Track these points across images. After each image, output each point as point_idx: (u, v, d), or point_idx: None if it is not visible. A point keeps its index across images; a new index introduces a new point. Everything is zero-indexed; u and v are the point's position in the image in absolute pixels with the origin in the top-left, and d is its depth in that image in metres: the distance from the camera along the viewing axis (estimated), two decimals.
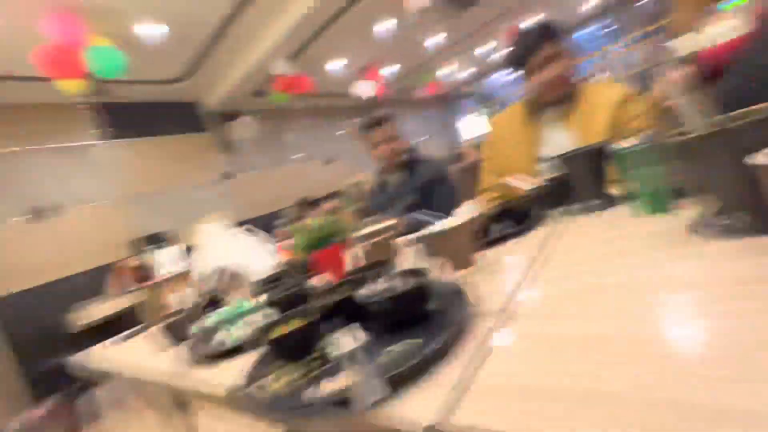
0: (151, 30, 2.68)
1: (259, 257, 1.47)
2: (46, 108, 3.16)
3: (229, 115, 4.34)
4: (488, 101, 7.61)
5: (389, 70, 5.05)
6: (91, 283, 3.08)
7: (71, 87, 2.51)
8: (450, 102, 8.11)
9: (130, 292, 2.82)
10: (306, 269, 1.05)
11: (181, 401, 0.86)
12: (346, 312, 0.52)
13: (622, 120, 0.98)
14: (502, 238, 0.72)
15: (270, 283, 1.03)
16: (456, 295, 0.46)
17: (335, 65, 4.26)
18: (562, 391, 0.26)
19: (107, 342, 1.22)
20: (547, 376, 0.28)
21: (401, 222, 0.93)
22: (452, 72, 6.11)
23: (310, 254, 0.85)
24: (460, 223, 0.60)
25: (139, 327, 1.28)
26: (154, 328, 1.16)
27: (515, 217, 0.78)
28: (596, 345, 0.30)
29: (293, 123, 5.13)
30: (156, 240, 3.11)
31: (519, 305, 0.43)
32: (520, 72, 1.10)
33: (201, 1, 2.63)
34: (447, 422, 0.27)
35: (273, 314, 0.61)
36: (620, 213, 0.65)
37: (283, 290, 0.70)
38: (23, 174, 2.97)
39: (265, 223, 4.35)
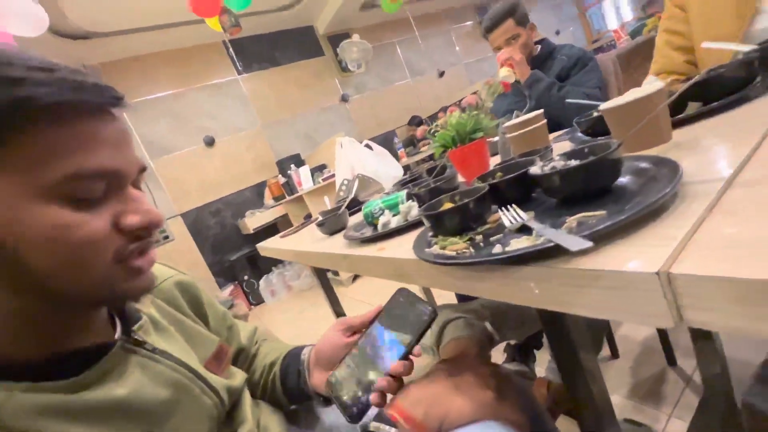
0: None
1: (388, 165, 1.54)
2: (198, 49, 3.65)
3: (341, 35, 4.33)
4: None
5: None
6: (253, 196, 3.80)
7: (215, 24, 2.81)
8: None
9: (281, 203, 3.39)
10: (441, 172, 1.05)
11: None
12: (504, 193, 0.51)
13: None
14: (706, 114, 0.57)
15: (407, 183, 1.07)
16: (660, 164, 0.39)
17: None
18: None
19: (277, 236, 1.51)
20: None
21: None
22: None
23: (450, 151, 0.83)
24: (654, 91, 0.49)
25: (295, 227, 1.54)
26: (309, 226, 1.37)
27: (723, 89, 0.60)
28: None
29: (404, 35, 4.84)
30: (295, 160, 3.55)
31: (741, 174, 0.34)
32: None
33: None
34: (675, 269, 0.25)
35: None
36: None
37: (427, 185, 0.72)
38: (191, 109, 3.62)
39: (383, 140, 4.52)
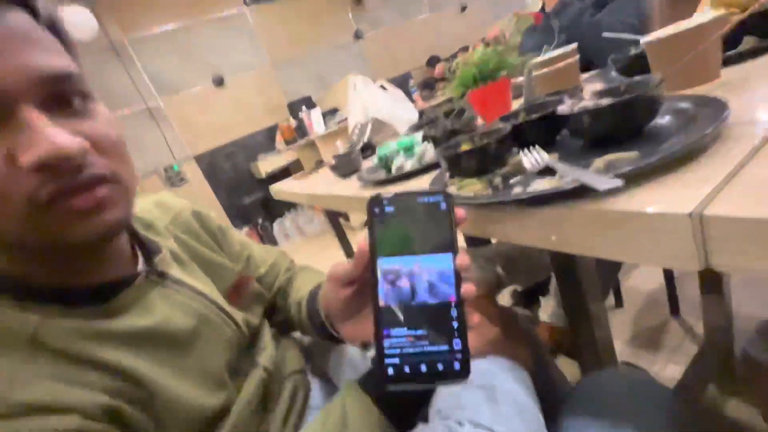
0: None
1: (402, 108, 1.48)
2: None
3: None
4: None
5: None
6: (265, 140, 3.76)
7: None
8: None
9: (292, 147, 3.35)
10: (459, 114, 1.01)
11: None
12: (527, 135, 0.48)
13: None
14: (762, 50, 0.51)
15: (423, 126, 1.04)
16: (703, 104, 0.36)
17: None
18: None
19: (290, 178, 1.51)
20: None
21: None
22: None
23: (470, 91, 0.79)
24: (704, 22, 0.43)
25: (309, 169, 1.53)
26: (323, 169, 1.36)
27: None
28: None
29: None
30: (306, 102, 3.44)
31: None
32: None
33: None
34: (709, 211, 0.23)
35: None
36: None
37: (444, 126, 0.69)
38: (198, 45, 3.45)
39: (399, 83, 4.31)
